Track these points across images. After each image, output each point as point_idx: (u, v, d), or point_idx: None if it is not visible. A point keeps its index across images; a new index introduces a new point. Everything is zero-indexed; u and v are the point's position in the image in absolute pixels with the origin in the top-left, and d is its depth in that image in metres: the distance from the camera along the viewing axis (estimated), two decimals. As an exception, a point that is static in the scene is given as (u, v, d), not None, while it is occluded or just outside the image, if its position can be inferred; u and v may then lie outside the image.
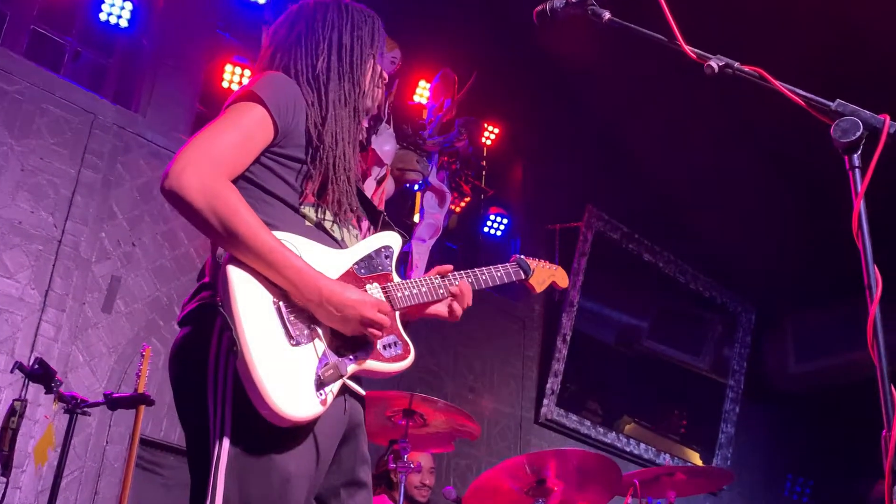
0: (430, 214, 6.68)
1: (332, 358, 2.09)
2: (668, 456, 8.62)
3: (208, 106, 6.12)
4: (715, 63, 2.03)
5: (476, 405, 7.27)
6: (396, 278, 2.36)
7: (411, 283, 2.37)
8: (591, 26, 2.25)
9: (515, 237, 8.09)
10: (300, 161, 2.23)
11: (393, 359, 2.23)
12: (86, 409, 3.94)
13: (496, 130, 7.75)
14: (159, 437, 5.32)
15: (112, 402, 3.90)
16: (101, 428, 5.08)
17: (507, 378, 7.68)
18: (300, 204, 2.23)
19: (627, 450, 8.41)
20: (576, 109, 8.29)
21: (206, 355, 2.07)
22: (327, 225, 2.27)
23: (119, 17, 5.75)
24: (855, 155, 1.77)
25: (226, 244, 2.06)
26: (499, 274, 2.63)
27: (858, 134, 1.77)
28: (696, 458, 9.08)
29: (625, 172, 8.59)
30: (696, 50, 2.07)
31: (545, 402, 7.76)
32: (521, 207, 8.26)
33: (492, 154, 7.84)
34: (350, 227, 2.35)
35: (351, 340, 2.15)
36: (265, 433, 1.99)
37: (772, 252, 8.93)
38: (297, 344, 2.05)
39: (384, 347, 2.21)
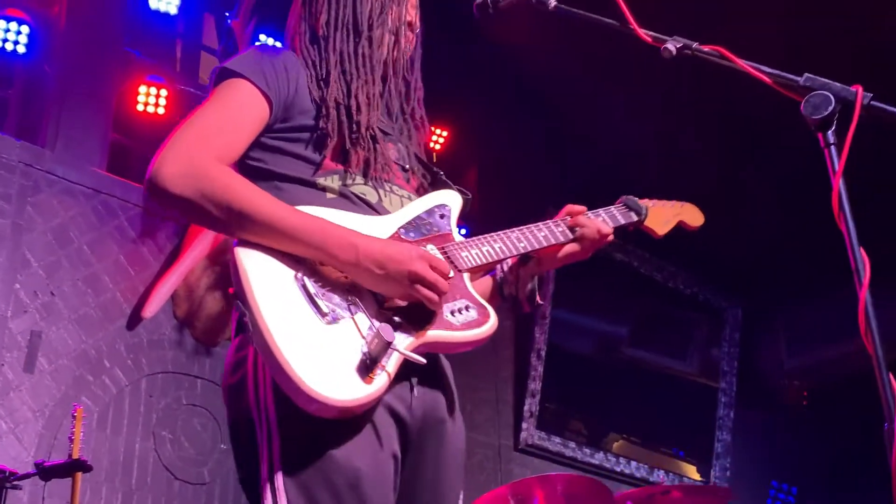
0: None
1: (377, 326, 1.90)
2: (662, 472, 8.68)
3: (124, 132, 6.09)
4: (672, 45, 2.09)
5: (449, 437, 7.29)
6: (458, 238, 2.22)
7: (480, 239, 2.23)
8: (538, 15, 2.30)
9: (475, 249, 8.12)
10: (310, 129, 2.16)
11: (465, 325, 2.03)
12: (16, 483, 3.90)
13: (444, 133, 7.79)
14: (99, 508, 5.25)
15: (45, 472, 3.86)
16: None
17: (480, 404, 7.69)
18: (317, 176, 2.13)
19: (618, 469, 8.46)
20: (525, 99, 8.33)
21: (244, 378, 1.97)
22: (357, 189, 2.16)
23: (16, 42, 5.70)
24: (829, 132, 1.79)
25: (231, 228, 1.96)
26: (600, 219, 2.57)
27: (830, 109, 1.78)
28: (693, 472, 9.15)
29: (583, 165, 8.63)
30: (650, 33, 2.13)
31: (524, 426, 7.79)
32: (480, 217, 8.28)
33: (443, 162, 7.85)
34: (393, 186, 2.23)
35: (406, 308, 1.99)
36: (316, 436, 1.88)
37: (754, 239, 9.03)
38: (334, 321, 1.91)
39: (452, 313, 2.04)
